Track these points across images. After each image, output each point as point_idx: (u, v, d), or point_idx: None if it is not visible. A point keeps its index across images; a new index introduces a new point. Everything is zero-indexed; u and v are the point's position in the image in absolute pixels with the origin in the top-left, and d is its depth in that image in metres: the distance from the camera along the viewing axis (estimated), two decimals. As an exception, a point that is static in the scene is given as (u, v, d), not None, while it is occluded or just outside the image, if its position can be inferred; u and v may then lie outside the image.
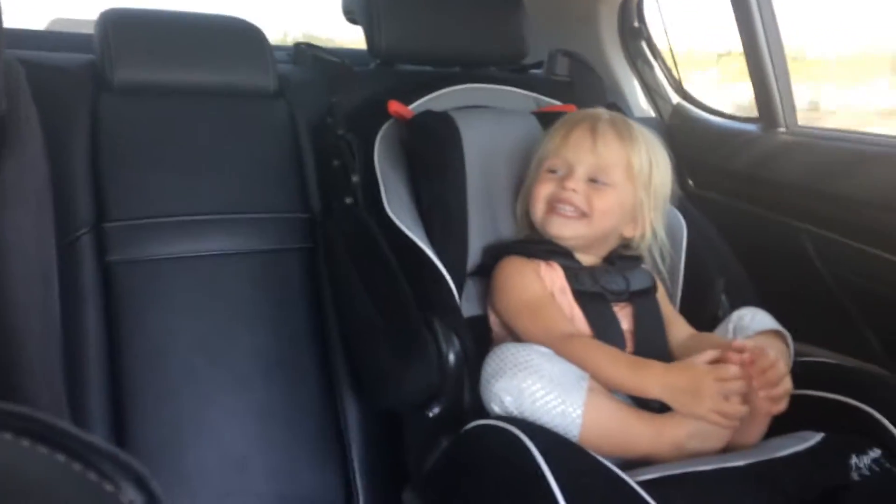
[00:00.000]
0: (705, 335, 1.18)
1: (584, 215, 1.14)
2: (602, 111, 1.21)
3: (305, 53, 1.50)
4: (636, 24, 1.79)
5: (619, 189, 1.15)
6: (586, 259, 1.17)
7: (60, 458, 0.23)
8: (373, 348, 1.09)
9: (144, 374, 1.11)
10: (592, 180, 1.14)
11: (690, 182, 1.73)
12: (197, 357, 1.15)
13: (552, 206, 1.14)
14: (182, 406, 1.12)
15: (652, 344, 1.12)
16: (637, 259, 1.21)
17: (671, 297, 1.27)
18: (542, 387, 0.95)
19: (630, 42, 1.80)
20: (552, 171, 1.15)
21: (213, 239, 1.20)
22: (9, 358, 0.81)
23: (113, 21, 1.27)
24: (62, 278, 1.06)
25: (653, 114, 1.82)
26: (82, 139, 1.17)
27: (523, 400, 0.95)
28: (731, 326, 1.17)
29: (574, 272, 1.12)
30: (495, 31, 1.56)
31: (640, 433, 0.99)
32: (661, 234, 1.22)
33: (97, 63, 1.24)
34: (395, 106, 1.28)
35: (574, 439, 0.94)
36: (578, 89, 1.62)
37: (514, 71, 1.65)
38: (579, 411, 0.94)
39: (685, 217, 1.33)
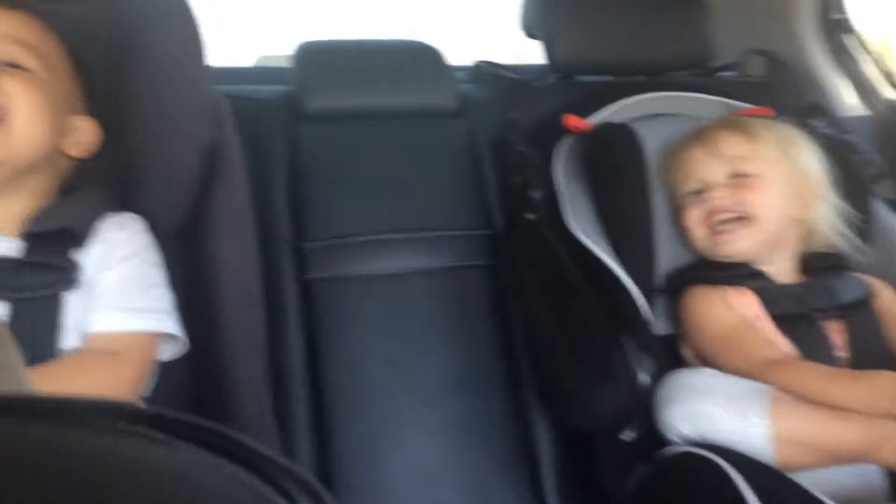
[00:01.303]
0: None
1: (744, 217, 1.06)
2: (719, 120, 1.18)
3: (485, 71, 1.51)
4: (839, 15, 1.64)
5: (762, 175, 1.08)
6: (779, 271, 1.08)
7: (243, 473, 0.24)
8: (559, 367, 1.07)
9: (342, 388, 1.15)
10: (733, 176, 1.08)
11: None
12: (388, 371, 1.18)
13: (709, 225, 1.07)
14: (376, 419, 1.15)
15: (875, 366, 1.00)
16: (840, 261, 1.10)
17: None
18: (718, 406, 0.89)
19: (833, 35, 1.65)
20: (692, 193, 1.10)
21: (400, 257, 1.24)
22: (221, 370, 0.87)
23: (307, 53, 1.35)
24: (268, 297, 1.14)
25: (863, 112, 1.65)
26: (282, 165, 1.25)
27: (700, 424, 0.89)
28: None
29: (769, 295, 1.03)
30: (677, 35, 1.49)
31: (846, 433, 0.88)
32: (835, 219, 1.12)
33: (294, 93, 1.32)
34: (571, 120, 1.25)
35: (770, 457, 0.86)
36: (776, 90, 1.51)
37: (701, 75, 1.57)
38: (764, 424, 0.86)
39: None
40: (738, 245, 1.07)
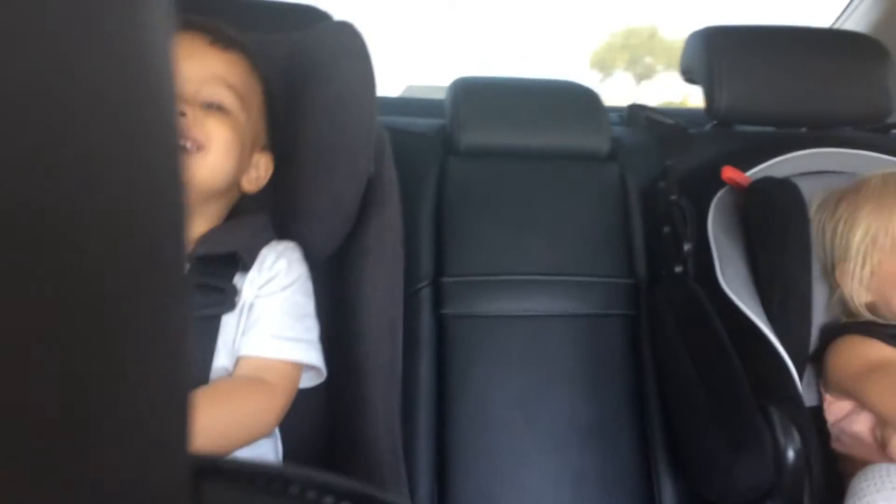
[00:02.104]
0: None
1: None
2: None
3: (639, 115, 1.48)
4: None
5: None
6: None
7: None
8: (698, 431, 1.02)
9: (466, 425, 1.15)
10: None
11: None
12: (515, 414, 1.16)
13: None
14: (498, 462, 1.14)
15: None
16: None
17: None
18: None
19: None
20: None
21: (538, 299, 1.23)
22: (358, 402, 0.89)
23: (462, 89, 1.37)
24: (405, 328, 1.16)
25: None
26: (429, 198, 1.27)
27: None
28: None
29: None
30: (852, 87, 1.41)
31: None
32: None
33: (447, 127, 1.35)
34: (729, 172, 1.20)
35: None
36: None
37: (874, 131, 1.47)
38: None
39: None
40: None
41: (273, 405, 0.83)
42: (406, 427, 1.13)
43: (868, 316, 1.07)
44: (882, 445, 0.97)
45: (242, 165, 0.91)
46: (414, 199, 1.25)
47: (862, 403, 0.98)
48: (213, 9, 1.26)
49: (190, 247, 0.87)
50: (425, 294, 1.21)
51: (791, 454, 0.93)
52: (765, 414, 0.95)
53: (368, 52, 0.98)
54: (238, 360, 0.85)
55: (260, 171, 0.95)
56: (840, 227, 1.09)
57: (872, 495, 0.84)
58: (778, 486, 0.93)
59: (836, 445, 1.05)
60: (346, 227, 0.96)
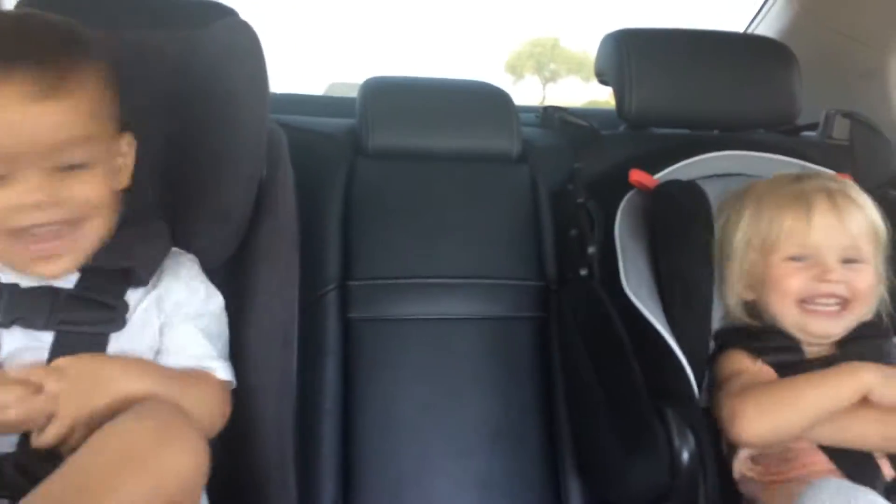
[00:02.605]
0: None
1: (846, 304, 1.03)
2: (823, 177, 1.12)
3: (553, 117, 1.48)
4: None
5: (871, 262, 1.04)
6: (821, 346, 1.05)
7: None
8: (597, 434, 1.03)
9: (373, 431, 1.14)
10: (846, 261, 1.03)
11: None
12: (422, 418, 1.16)
13: (806, 302, 1.01)
14: (405, 467, 1.13)
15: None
16: (877, 337, 1.06)
17: None
18: None
19: (927, 100, 1.56)
20: (795, 260, 1.03)
21: (447, 303, 1.22)
22: (243, 406, 0.87)
23: (372, 89, 1.35)
24: (309, 332, 1.13)
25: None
26: (336, 200, 1.25)
27: None
28: None
29: (789, 372, 1.01)
30: (761, 91, 1.43)
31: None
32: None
33: (356, 129, 1.33)
34: (636, 175, 1.21)
35: None
36: (859, 154, 1.44)
37: (785, 133, 1.50)
38: None
39: None
40: (834, 329, 1.04)
41: (225, 405, 0.84)
42: (311, 432, 1.12)
43: (745, 319, 1.09)
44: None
45: (114, 184, 0.84)
46: (321, 200, 1.23)
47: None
48: (117, 6, 1.23)
49: (82, 261, 0.82)
50: (331, 298, 1.19)
51: (686, 456, 0.93)
52: (661, 415, 0.96)
53: (261, 51, 0.95)
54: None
55: (126, 157, 0.86)
56: (727, 229, 1.11)
57: None
58: (674, 488, 0.93)
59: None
60: (238, 232, 0.93)
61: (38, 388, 0.70)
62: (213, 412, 0.82)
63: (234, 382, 0.87)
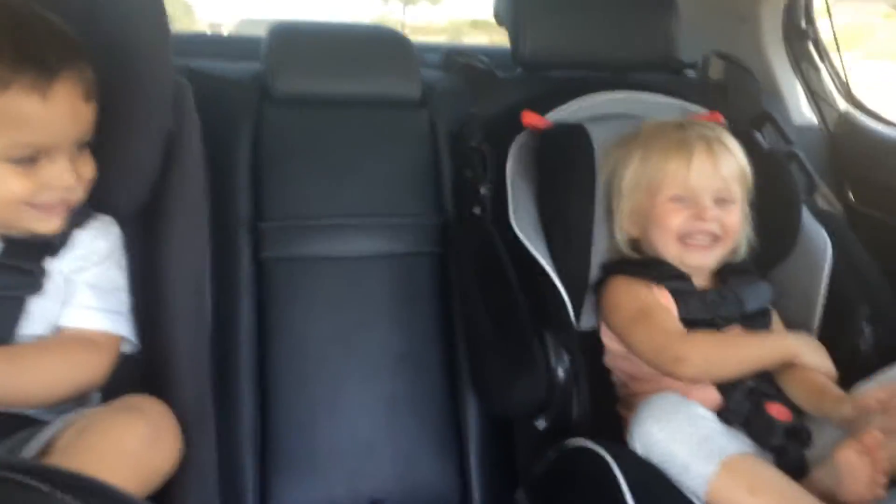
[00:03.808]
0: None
1: (717, 239, 1.14)
2: (703, 125, 1.21)
3: (455, 61, 1.55)
4: (804, 24, 1.68)
5: (739, 202, 1.17)
6: (699, 278, 1.17)
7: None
8: (485, 356, 1.16)
9: (287, 362, 1.24)
10: (718, 201, 1.15)
11: (852, 197, 1.62)
12: (333, 348, 1.26)
13: (685, 237, 1.14)
14: (317, 392, 1.24)
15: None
16: (751, 273, 1.19)
17: (806, 322, 1.23)
18: (676, 446, 0.94)
19: (795, 44, 1.70)
20: (676, 200, 1.14)
21: (353, 241, 1.31)
22: (165, 354, 0.95)
23: (277, 35, 1.39)
24: (223, 271, 1.21)
25: (815, 122, 1.71)
26: (245, 145, 1.31)
27: (652, 449, 0.96)
28: None
29: (684, 298, 1.12)
30: (645, 34, 1.53)
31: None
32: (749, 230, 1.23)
33: (263, 74, 1.37)
34: (529, 118, 1.30)
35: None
36: (732, 93, 1.57)
37: (670, 73, 1.61)
38: (701, 480, 0.92)
39: (833, 236, 1.27)
40: (707, 260, 1.16)
41: (100, 363, 0.90)
42: (228, 367, 1.21)
43: (631, 254, 1.21)
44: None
45: None
46: (228, 145, 1.29)
47: (631, 351, 1.13)
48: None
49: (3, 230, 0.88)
50: (244, 239, 1.27)
51: (561, 373, 1.07)
52: (540, 339, 1.09)
53: (163, 6, 0.98)
54: (60, 331, 0.90)
55: None
56: (617, 170, 1.22)
57: (640, 424, 0.96)
58: (550, 402, 1.07)
59: (611, 367, 1.20)
60: (148, 183, 0.99)
61: None
62: (80, 367, 0.88)
63: (128, 337, 0.93)
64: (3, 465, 0.32)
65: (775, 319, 1.20)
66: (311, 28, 1.46)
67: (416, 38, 1.68)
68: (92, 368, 0.89)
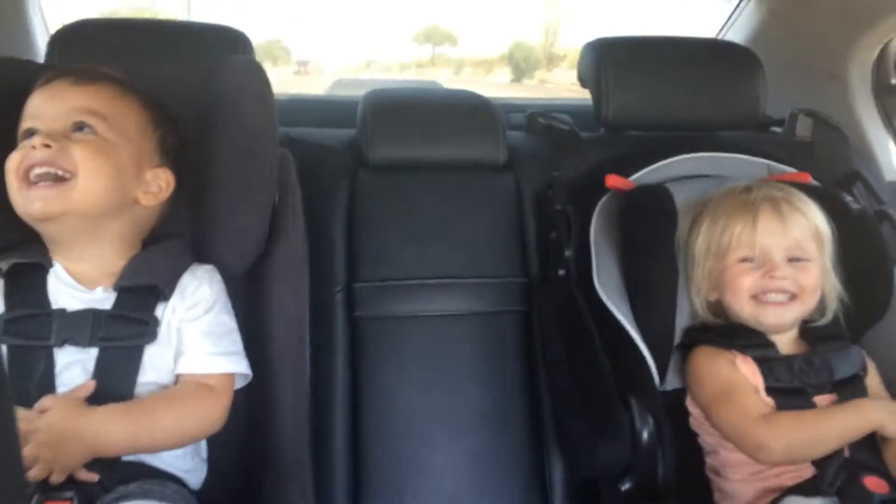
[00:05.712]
0: None
1: (794, 297, 1.14)
2: (769, 186, 1.21)
3: (537, 122, 1.60)
4: (894, 80, 1.66)
5: (816, 261, 1.16)
6: (784, 342, 1.16)
7: None
8: (569, 417, 1.18)
9: (378, 416, 1.30)
10: (791, 260, 1.14)
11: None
12: (422, 404, 1.32)
13: (758, 296, 1.14)
14: (406, 446, 1.29)
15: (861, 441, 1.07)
16: (840, 338, 1.17)
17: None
18: None
19: (886, 100, 1.68)
20: (746, 261, 1.15)
21: (441, 300, 1.37)
22: (270, 401, 1.02)
23: (372, 103, 1.48)
24: (320, 329, 1.28)
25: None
26: (341, 209, 1.39)
27: None
28: None
29: (770, 365, 1.11)
30: (729, 93, 1.55)
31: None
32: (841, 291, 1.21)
33: (357, 141, 1.46)
34: (612, 180, 1.32)
35: None
36: (819, 151, 1.56)
37: (754, 131, 1.61)
38: None
39: None
40: (785, 318, 1.15)
41: (220, 407, 0.97)
42: (323, 419, 1.28)
43: (711, 318, 1.21)
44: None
45: (126, 184, 0.99)
46: (327, 210, 1.38)
47: (713, 425, 1.13)
48: (136, 34, 1.35)
49: (114, 280, 0.97)
50: (339, 299, 1.34)
51: (645, 437, 1.08)
52: (625, 402, 1.11)
53: (271, 90, 1.08)
54: (178, 378, 0.98)
55: (161, 184, 1.03)
56: (689, 237, 1.24)
57: None
58: (634, 465, 1.09)
59: (699, 432, 1.20)
60: (255, 250, 1.07)
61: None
62: (204, 416, 0.96)
63: (246, 372, 1.01)
64: None
65: (874, 383, 1.17)
66: (403, 95, 1.55)
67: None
68: (213, 411, 0.96)
